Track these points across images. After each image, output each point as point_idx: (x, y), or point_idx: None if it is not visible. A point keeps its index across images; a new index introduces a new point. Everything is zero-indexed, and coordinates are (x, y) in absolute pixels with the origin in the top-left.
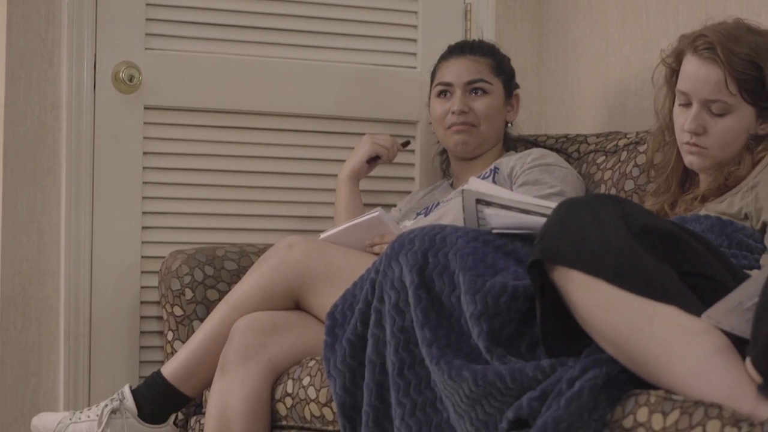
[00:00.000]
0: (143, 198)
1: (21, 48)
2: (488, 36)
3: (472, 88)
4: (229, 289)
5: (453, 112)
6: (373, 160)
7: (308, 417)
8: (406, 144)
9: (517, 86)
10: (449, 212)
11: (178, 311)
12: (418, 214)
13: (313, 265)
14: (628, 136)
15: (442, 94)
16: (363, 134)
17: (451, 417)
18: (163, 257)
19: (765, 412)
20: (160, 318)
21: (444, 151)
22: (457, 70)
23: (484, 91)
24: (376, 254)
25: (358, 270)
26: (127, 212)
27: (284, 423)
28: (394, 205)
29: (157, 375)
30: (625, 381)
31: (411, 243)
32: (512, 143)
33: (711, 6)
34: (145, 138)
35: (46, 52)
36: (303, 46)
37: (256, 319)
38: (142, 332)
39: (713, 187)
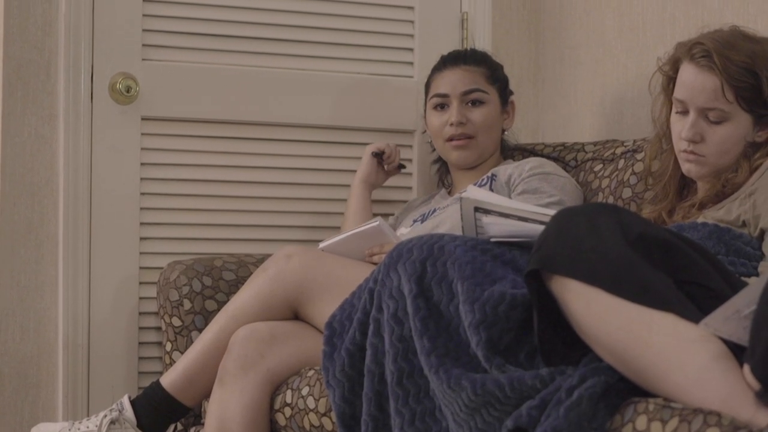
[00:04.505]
0: (141, 209)
1: (18, 59)
2: (485, 45)
3: (469, 98)
4: (228, 300)
5: (451, 124)
6: (378, 157)
7: (307, 427)
8: (402, 167)
9: (511, 92)
10: (446, 220)
11: (176, 322)
12: (414, 221)
13: (312, 275)
14: (625, 144)
15: (438, 106)
16: (361, 144)
17: (450, 426)
18: (162, 268)
19: (763, 419)
20: (158, 329)
21: (440, 159)
22: (452, 81)
23: (481, 101)
24: (375, 264)
25: (356, 280)
26: (125, 223)
27: None
28: (392, 214)
29: (156, 385)
30: (624, 389)
31: (409, 252)
32: (510, 152)
33: (707, 14)
34: (142, 149)
35: (43, 63)
36: (300, 56)
37: (254, 330)
38: (140, 343)
39: (711, 194)
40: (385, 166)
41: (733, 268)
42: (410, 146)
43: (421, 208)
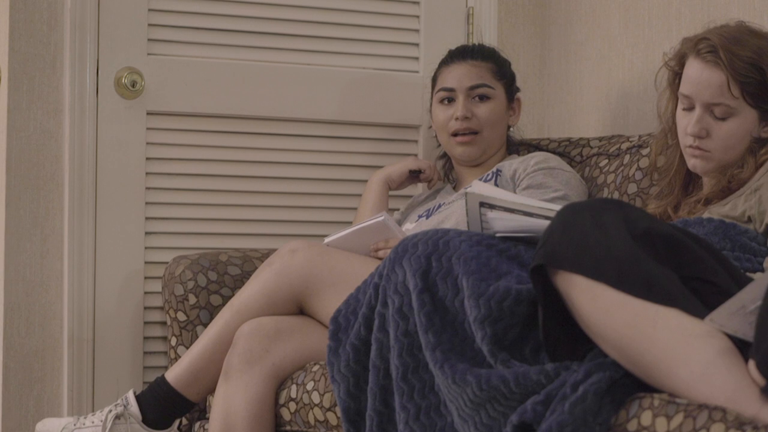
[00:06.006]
0: (146, 203)
1: (24, 53)
2: (490, 40)
3: (475, 93)
4: (233, 295)
5: (456, 119)
6: (415, 174)
7: (312, 422)
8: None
9: (517, 90)
10: (451, 215)
11: (181, 316)
12: (420, 216)
13: (317, 270)
14: (630, 139)
15: (444, 100)
16: (366, 139)
17: (454, 421)
18: (167, 262)
19: None
20: (163, 323)
21: (445, 154)
22: (459, 76)
23: (487, 97)
24: (380, 259)
25: (361, 274)
26: (130, 218)
27: (288, 428)
28: (398, 209)
29: (161, 380)
30: (629, 385)
31: (414, 247)
32: (515, 147)
33: (713, 9)
34: (147, 143)
35: (49, 58)
36: (305, 50)
37: (259, 324)
38: (145, 338)
39: (716, 189)
40: (421, 181)
41: (739, 264)
42: (416, 141)
43: (426, 203)
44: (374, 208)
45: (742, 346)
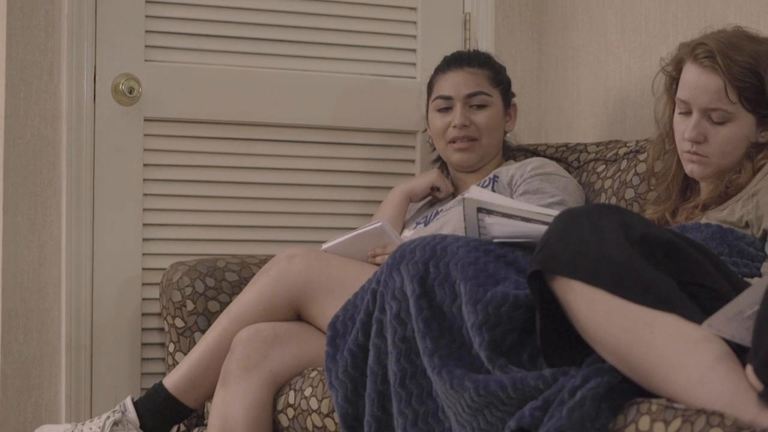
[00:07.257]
0: (144, 210)
1: (21, 60)
2: (487, 46)
3: (473, 101)
4: (231, 301)
5: (454, 126)
6: (434, 190)
7: (310, 428)
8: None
9: (513, 95)
10: (449, 222)
11: (179, 323)
12: (417, 223)
13: (315, 276)
14: (628, 144)
15: (441, 108)
16: (363, 145)
17: (452, 427)
18: (164, 269)
19: (766, 420)
20: (161, 330)
21: (439, 158)
22: (456, 83)
23: (485, 104)
24: (378, 265)
25: (359, 280)
26: (128, 224)
27: None
28: None
29: (159, 387)
30: (627, 390)
31: (412, 253)
32: (512, 153)
33: (710, 14)
34: (145, 150)
35: (46, 65)
36: (302, 56)
37: (257, 330)
38: (143, 344)
39: (714, 195)
40: (436, 198)
41: (736, 269)
42: (413, 147)
43: (424, 210)
44: (392, 220)
45: (739, 351)
